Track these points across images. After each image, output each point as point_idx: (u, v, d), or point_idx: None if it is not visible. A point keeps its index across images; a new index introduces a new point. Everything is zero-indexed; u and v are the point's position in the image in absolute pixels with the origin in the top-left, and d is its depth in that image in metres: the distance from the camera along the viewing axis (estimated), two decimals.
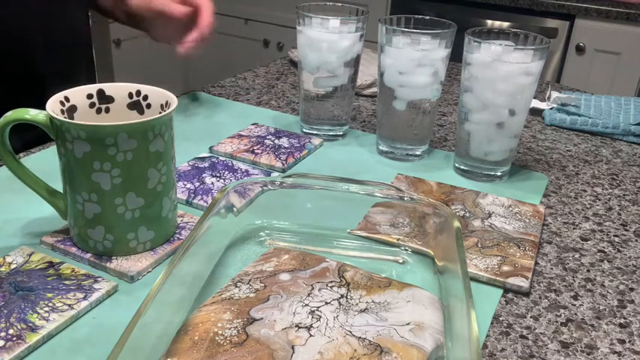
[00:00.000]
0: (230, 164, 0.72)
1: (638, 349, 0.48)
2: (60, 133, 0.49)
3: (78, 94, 0.55)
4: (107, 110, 0.56)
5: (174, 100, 0.54)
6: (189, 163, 0.71)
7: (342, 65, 0.78)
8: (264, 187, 0.58)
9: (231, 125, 0.84)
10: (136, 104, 0.57)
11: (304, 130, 0.84)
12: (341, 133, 0.84)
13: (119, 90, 0.56)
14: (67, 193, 0.52)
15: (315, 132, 0.83)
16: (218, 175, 0.69)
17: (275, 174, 0.71)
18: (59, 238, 0.55)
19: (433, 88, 0.73)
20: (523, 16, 1.90)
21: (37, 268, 0.51)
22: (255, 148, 0.76)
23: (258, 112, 0.91)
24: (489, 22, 1.95)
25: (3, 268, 0.50)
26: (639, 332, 0.50)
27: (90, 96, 0.55)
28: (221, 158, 0.73)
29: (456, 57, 0.76)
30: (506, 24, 1.92)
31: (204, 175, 0.69)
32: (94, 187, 0.50)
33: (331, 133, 0.83)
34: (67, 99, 0.53)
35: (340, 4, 0.80)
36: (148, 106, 0.57)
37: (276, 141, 0.79)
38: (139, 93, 0.57)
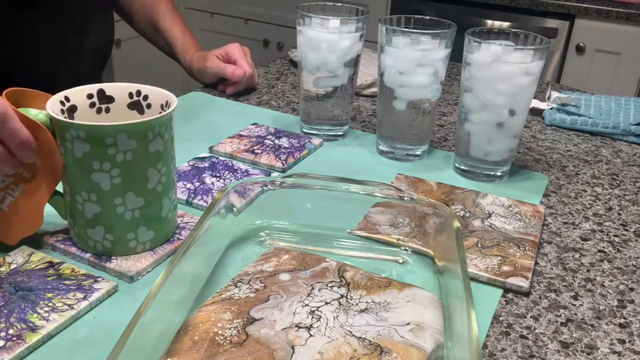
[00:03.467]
0: (230, 164, 0.72)
1: (638, 349, 0.48)
2: (60, 133, 0.49)
3: (78, 94, 0.55)
4: (107, 110, 0.56)
5: (174, 100, 0.54)
6: (189, 163, 0.71)
7: (342, 65, 0.77)
8: (264, 187, 0.58)
9: (231, 125, 0.84)
10: (136, 104, 0.57)
11: (304, 130, 0.84)
12: (341, 133, 0.84)
13: (119, 90, 0.56)
14: (67, 193, 0.52)
15: (315, 132, 0.83)
16: (218, 175, 0.69)
17: (275, 174, 0.71)
18: (59, 238, 0.55)
19: (433, 88, 0.73)
20: (523, 16, 1.90)
21: (37, 268, 0.51)
22: (255, 148, 0.76)
23: (258, 112, 0.91)
24: (489, 22, 1.95)
25: (3, 268, 0.50)
26: (639, 332, 0.49)
27: (90, 96, 0.55)
28: (221, 158, 0.73)
29: (456, 57, 0.76)
30: (506, 24, 1.92)
31: (204, 175, 0.69)
32: (94, 187, 0.50)
33: (331, 133, 0.83)
34: (67, 99, 0.53)
35: (340, 4, 0.80)
36: (148, 106, 0.57)
37: (276, 141, 0.79)
38: (139, 93, 0.57)
